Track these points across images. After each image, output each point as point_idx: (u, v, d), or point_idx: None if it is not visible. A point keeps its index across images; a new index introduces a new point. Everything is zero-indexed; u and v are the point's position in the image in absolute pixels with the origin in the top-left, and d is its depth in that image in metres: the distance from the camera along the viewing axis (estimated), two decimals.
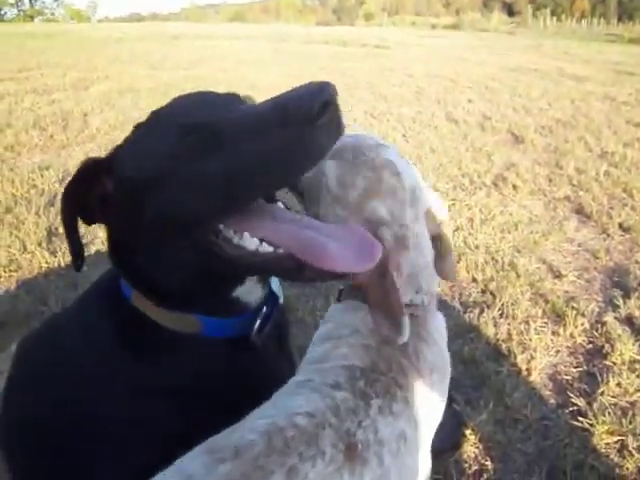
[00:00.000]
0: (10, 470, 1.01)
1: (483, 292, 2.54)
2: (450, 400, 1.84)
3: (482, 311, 2.37)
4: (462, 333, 2.21)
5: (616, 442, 1.71)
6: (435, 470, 1.60)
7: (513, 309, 2.38)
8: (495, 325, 2.27)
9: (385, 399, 0.88)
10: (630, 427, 1.74)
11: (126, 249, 0.97)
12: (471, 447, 1.69)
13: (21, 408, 1.05)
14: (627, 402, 1.89)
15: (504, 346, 2.15)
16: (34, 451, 1.00)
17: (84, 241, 2.88)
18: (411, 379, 0.94)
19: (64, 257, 2.69)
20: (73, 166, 4.10)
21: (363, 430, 0.81)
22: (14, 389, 1.07)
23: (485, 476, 1.61)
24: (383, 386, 0.90)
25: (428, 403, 0.97)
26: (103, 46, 14.30)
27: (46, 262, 2.65)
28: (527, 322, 2.30)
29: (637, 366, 2.06)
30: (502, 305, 2.40)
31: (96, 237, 2.94)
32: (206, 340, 1.01)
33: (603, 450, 1.68)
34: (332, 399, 0.84)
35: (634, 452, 1.66)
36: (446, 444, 1.68)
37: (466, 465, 1.64)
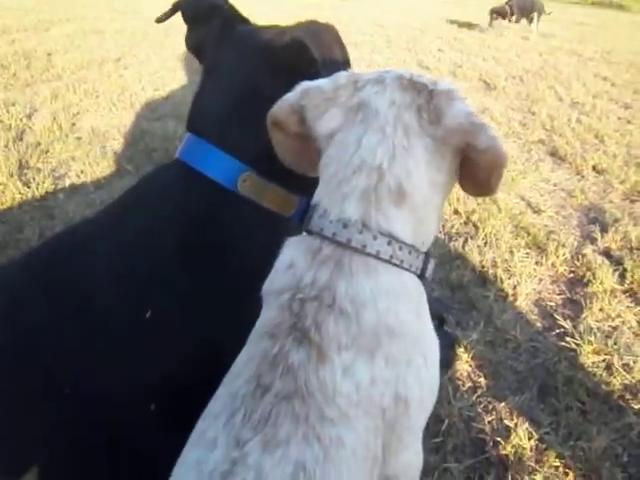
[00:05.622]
0: None
1: (466, 223, 2.55)
2: (441, 321, 1.85)
3: (466, 240, 2.38)
4: (448, 261, 2.22)
5: (602, 361, 1.75)
6: None
7: (496, 239, 2.39)
8: (480, 253, 2.29)
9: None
10: (615, 347, 1.79)
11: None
12: (464, 365, 1.71)
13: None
14: (610, 326, 1.93)
15: (490, 272, 2.17)
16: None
17: (56, 174, 2.80)
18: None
19: (38, 189, 2.61)
20: (40, 103, 3.95)
21: None
22: None
23: (479, 392, 1.63)
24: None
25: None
26: None
27: (19, 193, 2.56)
28: (511, 252, 2.32)
29: (617, 294, 2.11)
30: (485, 236, 2.41)
31: (70, 170, 2.85)
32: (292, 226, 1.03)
33: (590, 369, 1.71)
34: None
35: (620, 370, 1.70)
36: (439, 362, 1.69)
37: (460, 382, 1.66)
